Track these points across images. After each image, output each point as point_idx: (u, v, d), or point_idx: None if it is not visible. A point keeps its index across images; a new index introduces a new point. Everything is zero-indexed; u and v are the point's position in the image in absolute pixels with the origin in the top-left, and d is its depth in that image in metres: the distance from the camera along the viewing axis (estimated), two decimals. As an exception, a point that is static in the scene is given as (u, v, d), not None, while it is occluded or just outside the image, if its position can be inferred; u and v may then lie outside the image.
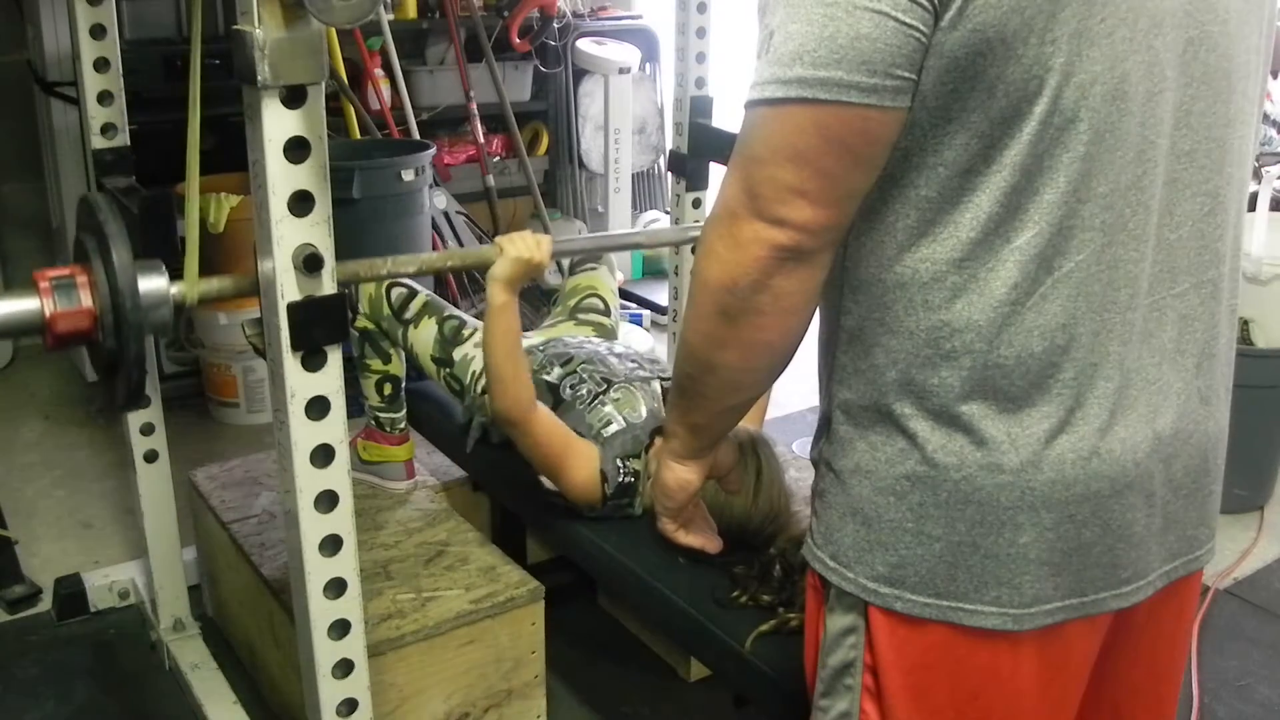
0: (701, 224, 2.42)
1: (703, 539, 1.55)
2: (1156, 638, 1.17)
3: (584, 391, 2.00)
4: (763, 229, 0.95)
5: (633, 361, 2.11)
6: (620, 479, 1.89)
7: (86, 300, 1.21)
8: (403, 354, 2.29)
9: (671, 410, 1.23)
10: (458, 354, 2.18)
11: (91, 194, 1.31)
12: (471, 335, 2.19)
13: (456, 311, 2.25)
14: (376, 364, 2.29)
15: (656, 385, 2.04)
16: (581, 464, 1.88)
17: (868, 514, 1.05)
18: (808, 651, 1.20)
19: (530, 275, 1.78)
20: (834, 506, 1.09)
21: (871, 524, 1.05)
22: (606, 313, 2.39)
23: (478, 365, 2.15)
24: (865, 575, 1.06)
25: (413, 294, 2.24)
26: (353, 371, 2.34)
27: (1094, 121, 0.94)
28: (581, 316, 2.37)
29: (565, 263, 4.05)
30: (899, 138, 0.94)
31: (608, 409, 1.96)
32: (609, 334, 2.36)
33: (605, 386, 2.00)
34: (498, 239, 1.75)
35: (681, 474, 1.30)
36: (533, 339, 2.22)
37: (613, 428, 1.93)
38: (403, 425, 2.37)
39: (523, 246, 1.73)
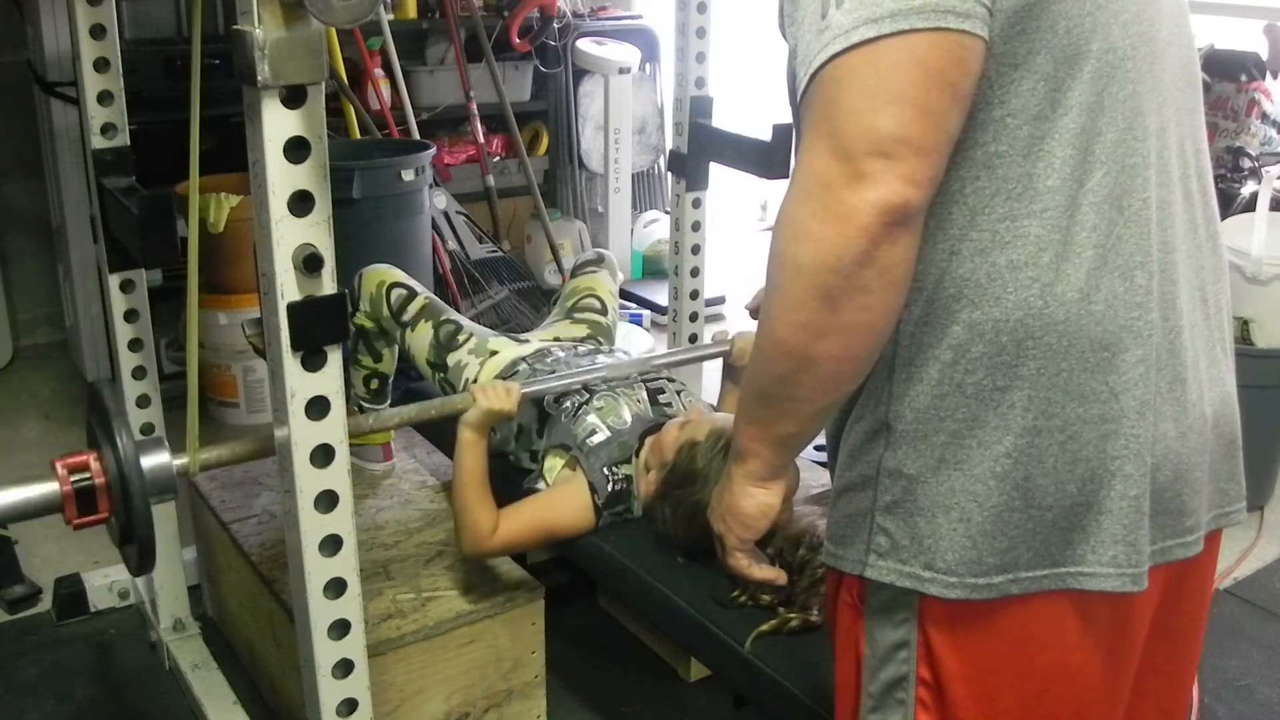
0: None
1: (774, 572, 1.39)
2: (1188, 596, 1.15)
3: (568, 404, 2.00)
4: (867, 192, 0.88)
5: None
6: (610, 487, 1.89)
7: (100, 489, 1.33)
8: (396, 353, 2.30)
9: (748, 428, 1.11)
10: (451, 359, 2.19)
11: (98, 381, 1.44)
12: (466, 341, 2.20)
13: (454, 315, 2.25)
14: (367, 361, 2.31)
15: (641, 389, 2.04)
16: (567, 514, 1.89)
17: (966, 508, 1.00)
18: (841, 667, 1.16)
19: (499, 421, 1.88)
20: (918, 513, 1.02)
21: (973, 517, 1.00)
22: (603, 312, 2.39)
23: (471, 372, 2.16)
24: (973, 574, 1.01)
25: (412, 295, 2.24)
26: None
27: (1137, 61, 0.97)
28: (578, 315, 2.37)
29: (566, 265, 4.07)
30: (976, 95, 0.93)
31: (591, 419, 1.96)
32: (605, 333, 2.36)
33: (588, 395, 2.01)
34: (472, 388, 1.86)
35: (764, 498, 1.16)
36: (528, 346, 2.21)
37: (596, 438, 1.94)
38: None
39: (494, 398, 1.83)
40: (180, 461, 1.38)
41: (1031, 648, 1.05)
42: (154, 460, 1.33)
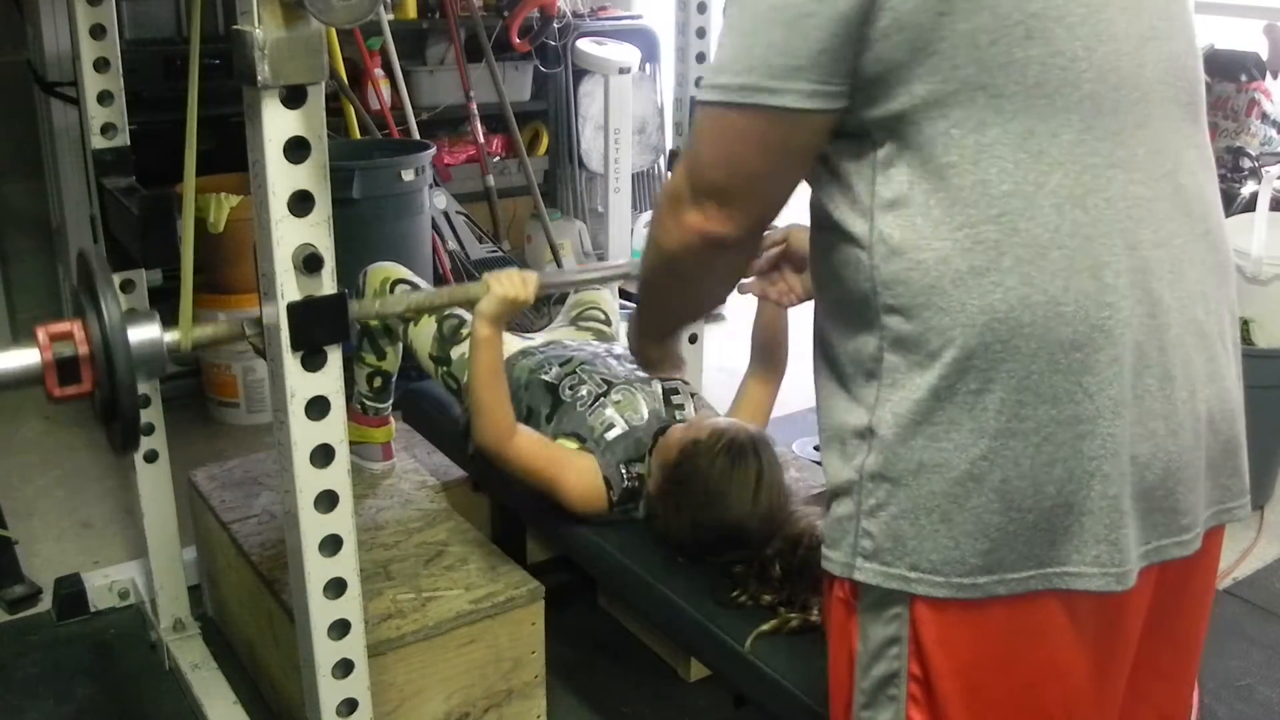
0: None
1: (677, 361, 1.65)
2: (1189, 596, 1.15)
3: (584, 392, 2.00)
4: (698, 219, 1.07)
5: (631, 363, 2.11)
6: (625, 484, 1.89)
7: (83, 359, 1.26)
8: (399, 350, 2.29)
9: (637, 313, 1.43)
10: (455, 353, 2.19)
11: (85, 248, 1.36)
12: (470, 335, 2.19)
13: (457, 310, 2.25)
14: (371, 359, 2.30)
15: (657, 386, 2.04)
16: (577, 478, 1.89)
17: (946, 509, 1.01)
18: (835, 664, 1.17)
19: (515, 312, 1.83)
20: (901, 516, 1.03)
21: (953, 518, 1.01)
22: (607, 323, 2.43)
23: None
24: (958, 573, 1.02)
25: (416, 291, 2.24)
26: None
27: (1093, 60, 0.97)
28: (582, 324, 2.40)
29: (567, 265, 4.07)
30: (915, 114, 0.96)
31: (609, 411, 1.96)
32: (608, 340, 2.38)
33: (606, 388, 2.00)
34: (486, 277, 1.80)
35: (654, 352, 1.53)
36: (534, 340, 2.22)
37: (614, 432, 1.93)
38: (386, 412, 2.39)
39: (509, 285, 1.78)
40: (171, 336, 1.31)
41: (1021, 645, 1.05)
42: (142, 333, 1.27)
